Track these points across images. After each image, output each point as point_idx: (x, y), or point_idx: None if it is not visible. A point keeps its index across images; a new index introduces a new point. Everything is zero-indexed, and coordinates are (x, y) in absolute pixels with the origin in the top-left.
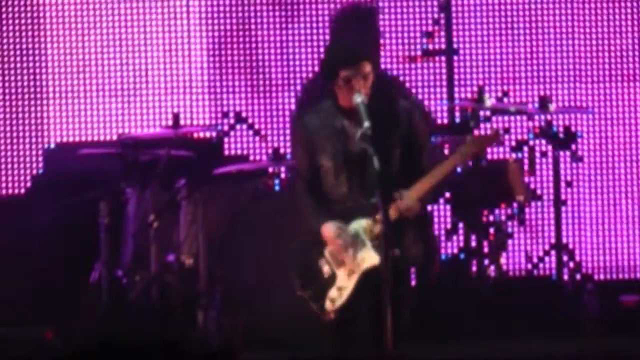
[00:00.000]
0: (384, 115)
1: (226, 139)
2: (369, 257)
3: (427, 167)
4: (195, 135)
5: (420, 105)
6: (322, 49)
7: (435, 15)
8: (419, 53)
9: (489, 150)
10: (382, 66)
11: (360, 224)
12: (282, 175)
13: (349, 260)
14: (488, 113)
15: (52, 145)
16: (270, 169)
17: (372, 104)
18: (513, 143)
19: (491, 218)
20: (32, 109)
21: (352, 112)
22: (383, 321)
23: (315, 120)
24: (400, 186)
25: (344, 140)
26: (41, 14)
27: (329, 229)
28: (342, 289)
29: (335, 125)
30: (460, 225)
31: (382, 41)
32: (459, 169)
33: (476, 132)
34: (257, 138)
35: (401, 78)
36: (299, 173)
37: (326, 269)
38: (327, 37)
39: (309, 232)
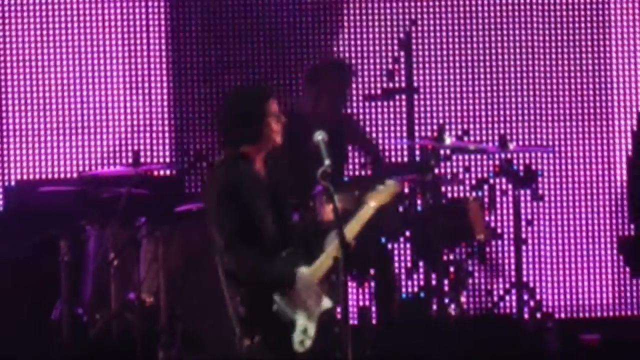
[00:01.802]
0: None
1: (186, 177)
2: (322, 300)
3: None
4: (156, 173)
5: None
6: (282, 88)
7: (396, 54)
8: (379, 91)
9: (449, 188)
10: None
11: (302, 275)
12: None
13: (303, 303)
14: (448, 152)
15: (12, 183)
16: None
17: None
18: (473, 181)
19: (451, 257)
20: None
21: (261, 166)
22: None
23: (237, 173)
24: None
25: (267, 195)
26: (0, 52)
27: (302, 276)
28: (306, 331)
29: (252, 174)
30: (421, 263)
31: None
32: (419, 208)
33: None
34: None
35: (361, 116)
36: (234, 233)
37: (283, 316)
38: (287, 77)
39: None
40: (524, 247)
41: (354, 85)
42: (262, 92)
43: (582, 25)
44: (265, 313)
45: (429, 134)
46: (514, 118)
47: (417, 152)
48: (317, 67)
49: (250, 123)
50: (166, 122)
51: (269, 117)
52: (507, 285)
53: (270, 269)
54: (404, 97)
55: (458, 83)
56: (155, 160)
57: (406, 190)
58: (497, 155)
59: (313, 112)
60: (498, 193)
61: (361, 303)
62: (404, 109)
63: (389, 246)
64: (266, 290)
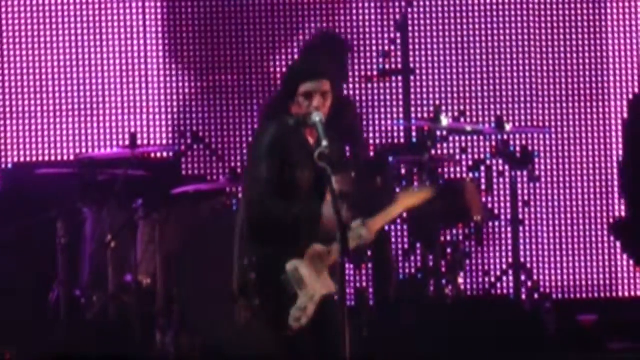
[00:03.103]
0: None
1: (183, 159)
2: (327, 285)
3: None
4: (153, 155)
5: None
6: (279, 70)
7: (392, 35)
8: (375, 73)
9: (446, 170)
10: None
11: (315, 251)
12: (240, 195)
13: (310, 281)
14: (444, 133)
15: (9, 165)
16: (228, 189)
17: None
18: (470, 163)
19: (448, 238)
20: None
21: (312, 131)
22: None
23: (284, 134)
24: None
25: (311, 156)
26: None
27: (328, 210)
28: (304, 311)
29: (302, 142)
30: (418, 245)
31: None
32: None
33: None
34: (214, 158)
35: (358, 98)
36: (265, 181)
37: (290, 287)
38: (284, 58)
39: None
40: (520, 228)
41: (351, 67)
42: (299, 72)
43: (579, 6)
44: (273, 280)
45: (425, 115)
46: (510, 99)
47: (414, 134)
48: (309, 41)
49: (286, 98)
50: (163, 104)
51: (298, 97)
52: (504, 266)
53: (295, 210)
54: (400, 78)
55: (454, 64)
56: (152, 142)
57: (403, 171)
58: (493, 137)
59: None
60: (495, 174)
61: (358, 284)
62: (400, 91)
63: (386, 227)
64: (281, 257)
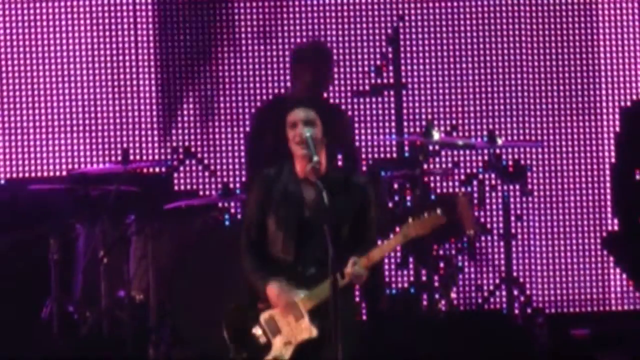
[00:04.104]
0: (338, 189)
1: (175, 174)
2: (307, 329)
3: (373, 237)
4: (145, 170)
5: (374, 179)
6: (271, 85)
7: (384, 50)
8: (367, 87)
9: (438, 184)
10: (331, 101)
11: (298, 296)
12: (232, 210)
13: (287, 328)
14: (437, 147)
15: (1, 181)
16: (220, 204)
17: (329, 177)
18: (462, 177)
19: (441, 252)
20: None
21: (308, 180)
22: None
23: (274, 181)
24: (347, 255)
25: (296, 208)
26: None
27: (273, 289)
28: (281, 356)
29: (290, 190)
30: (411, 259)
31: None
32: (408, 203)
33: (421, 216)
34: (206, 173)
35: (350, 112)
36: (246, 228)
37: (261, 337)
38: (276, 72)
39: (250, 292)
40: (513, 243)
41: (342, 82)
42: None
43: (570, 20)
44: (246, 330)
45: (417, 129)
46: (502, 113)
47: (406, 148)
48: (293, 51)
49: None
50: (155, 119)
51: (287, 128)
52: (497, 281)
53: (251, 274)
54: (392, 93)
55: (446, 79)
56: (144, 157)
57: (395, 186)
58: (485, 151)
59: (291, 96)
60: (487, 188)
61: None
62: (392, 105)
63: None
64: (255, 306)
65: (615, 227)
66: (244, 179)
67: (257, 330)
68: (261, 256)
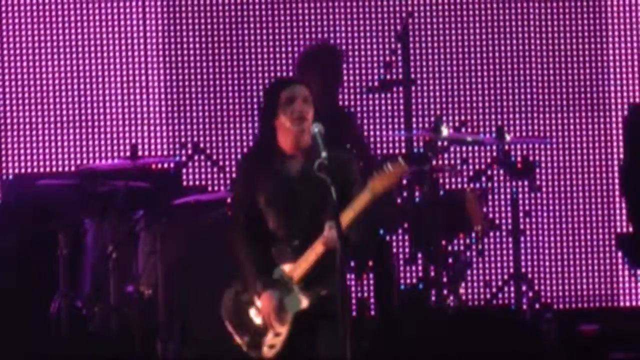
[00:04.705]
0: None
1: (184, 170)
2: (296, 303)
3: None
4: (153, 166)
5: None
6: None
7: (393, 46)
8: (376, 83)
9: (447, 180)
10: (340, 96)
11: (282, 271)
12: None
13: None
14: (445, 143)
15: (10, 177)
16: (229, 200)
17: (312, 153)
18: (471, 173)
19: (449, 248)
20: None
21: (291, 154)
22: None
23: (258, 160)
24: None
25: (284, 183)
26: None
27: (267, 300)
28: (277, 335)
29: (275, 167)
30: (419, 255)
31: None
32: (417, 199)
33: (384, 168)
34: (215, 168)
35: (359, 109)
36: (236, 206)
37: (259, 318)
38: (285, 68)
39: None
40: (521, 238)
41: (351, 78)
42: (277, 84)
43: (579, 15)
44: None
45: (426, 125)
46: (511, 109)
47: (415, 144)
48: (301, 55)
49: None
50: (164, 114)
51: (281, 107)
52: (506, 277)
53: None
54: (401, 89)
55: (455, 74)
56: (153, 153)
57: (404, 182)
58: (494, 147)
59: None
60: (495, 184)
61: (359, 294)
62: (401, 101)
63: (387, 238)
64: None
65: (624, 223)
66: None
67: (254, 314)
68: (254, 236)
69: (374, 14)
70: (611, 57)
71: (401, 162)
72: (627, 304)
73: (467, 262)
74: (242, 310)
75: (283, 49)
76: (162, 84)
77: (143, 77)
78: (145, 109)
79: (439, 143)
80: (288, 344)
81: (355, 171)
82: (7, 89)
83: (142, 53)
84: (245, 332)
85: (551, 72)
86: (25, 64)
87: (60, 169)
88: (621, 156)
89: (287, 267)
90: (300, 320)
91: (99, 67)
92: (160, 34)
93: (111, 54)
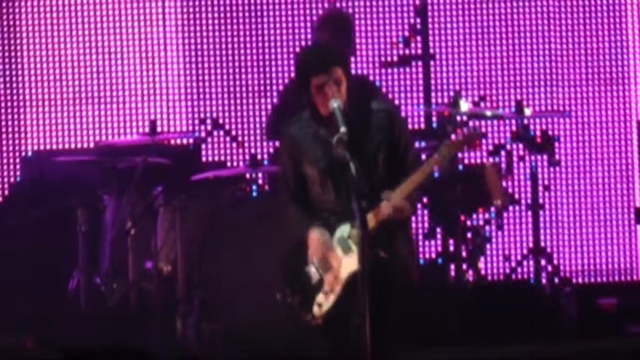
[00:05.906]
0: (363, 120)
1: (203, 146)
2: (353, 262)
3: (413, 166)
4: (172, 142)
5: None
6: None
7: (412, 21)
8: (395, 58)
9: (466, 154)
10: (360, 71)
11: (346, 230)
12: (260, 181)
13: (335, 265)
14: (465, 118)
15: (29, 153)
16: (248, 175)
17: (351, 110)
18: (490, 147)
19: (469, 222)
20: (9, 117)
21: (331, 120)
22: (371, 323)
23: (298, 130)
24: (387, 189)
25: (326, 148)
26: (17, 22)
27: (313, 236)
28: (328, 294)
29: (316, 134)
30: (438, 230)
31: (356, 46)
32: (436, 174)
33: (454, 135)
34: (234, 144)
35: (378, 83)
36: (285, 183)
37: (314, 274)
38: (303, 42)
39: (296, 239)
40: (541, 213)
41: (370, 53)
42: (308, 66)
43: None
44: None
45: (445, 100)
46: (530, 84)
47: (434, 119)
48: (314, 23)
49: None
50: (182, 90)
51: (312, 88)
52: (525, 251)
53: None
54: (420, 63)
55: (474, 49)
56: (172, 129)
57: (423, 157)
58: (513, 121)
59: None
60: (515, 159)
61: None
62: (420, 76)
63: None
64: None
65: None
66: (271, 150)
67: (310, 269)
68: (304, 204)
69: None
70: (630, 31)
71: (476, 129)
72: None
73: (487, 236)
74: (299, 268)
75: (302, 24)
76: (181, 59)
77: (162, 53)
78: (164, 84)
79: (458, 118)
80: (337, 305)
81: (399, 118)
82: (26, 66)
83: (161, 29)
84: (298, 291)
85: (570, 46)
86: (43, 40)
87: (79, 145)
88: None
89: (350, 227)
90: (354, 285)
91: (118, 42)
92: (179, 9)
93: (130, 30)
